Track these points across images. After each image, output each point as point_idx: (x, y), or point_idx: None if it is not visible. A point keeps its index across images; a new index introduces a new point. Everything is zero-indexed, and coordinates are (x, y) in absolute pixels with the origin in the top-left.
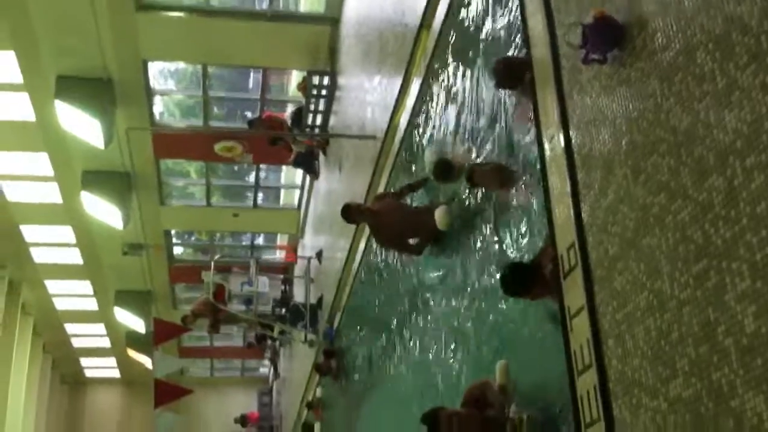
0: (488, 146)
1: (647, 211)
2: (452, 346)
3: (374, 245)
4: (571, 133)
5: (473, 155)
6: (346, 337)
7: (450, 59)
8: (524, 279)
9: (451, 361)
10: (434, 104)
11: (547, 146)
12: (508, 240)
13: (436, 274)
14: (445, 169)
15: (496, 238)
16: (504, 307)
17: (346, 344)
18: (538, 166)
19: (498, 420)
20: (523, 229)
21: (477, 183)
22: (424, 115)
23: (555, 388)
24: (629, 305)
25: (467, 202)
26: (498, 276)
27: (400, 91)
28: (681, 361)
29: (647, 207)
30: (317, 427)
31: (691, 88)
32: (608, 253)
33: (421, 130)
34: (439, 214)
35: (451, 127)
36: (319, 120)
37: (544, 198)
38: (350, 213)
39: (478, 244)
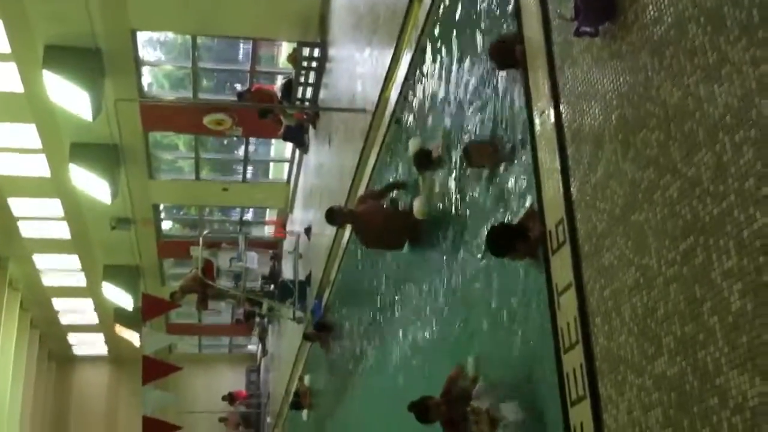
0: (478, 121)
1: (636, 187)
2: (439, 319)
3: None
4: (561, 107)
5: (464, 130)
6: (334, 312)
7: (440, 32)
8: (508, 238)
9: (436, 331)
10: (424, 77)
11: (537, 121)
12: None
13: (420, 256)
14: (424, 159)
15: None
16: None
17: (335, 319)
18: (528, 141)
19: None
20: (514, 204)
21: (473, 160)
22: (414, 89)
23: (540, 366)
24: (616, 282)
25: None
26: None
27: (390, 64)
28: (667, 338)
29: (636, 182)
30: (305, 414)
31: (682, 62)
32: (597, 229)
33: (411, 103)
34: (417, 204)
35: (441, 101)
36: (309, 93)
37: (533, 173)
38: (334, 216)
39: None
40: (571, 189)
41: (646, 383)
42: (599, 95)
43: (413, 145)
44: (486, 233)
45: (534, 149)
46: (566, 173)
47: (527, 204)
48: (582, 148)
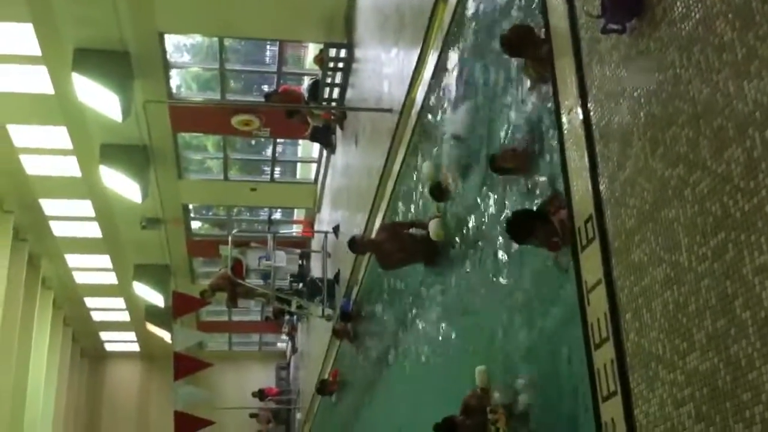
0: (505, 121)
1: (666, 184)
2: (464, 319)
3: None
4: (589, 105)
5: (490, 130)
6: (363, 310)
7: (466, 32)
8: (529, 224)
9: (461, 331)
10: (451, 77)
11: (564, 119)
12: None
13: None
14: (438, 191)
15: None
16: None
17: (363, 317)
18: (556, 140)
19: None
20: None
21: (501, 169)
22: (440, 88)
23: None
24: (647, 278)
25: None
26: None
27: (417, 64)
28: (698, 334)
29: (666, 179)
30: (334, 397)
31: (711, 58)
32: (626, 225)
33: (437, 103)
34: (433, 227)
35: (467, 100)
36: (335, 93)
37: (561, 170)
38: (356, 246)
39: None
40: (600, 186)
41: (677, 379)
42: (627, 92)
43: (426, 168)
44: (506, 220)
45: (562, 147)
46: (595, 171)
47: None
48: (610, 145)
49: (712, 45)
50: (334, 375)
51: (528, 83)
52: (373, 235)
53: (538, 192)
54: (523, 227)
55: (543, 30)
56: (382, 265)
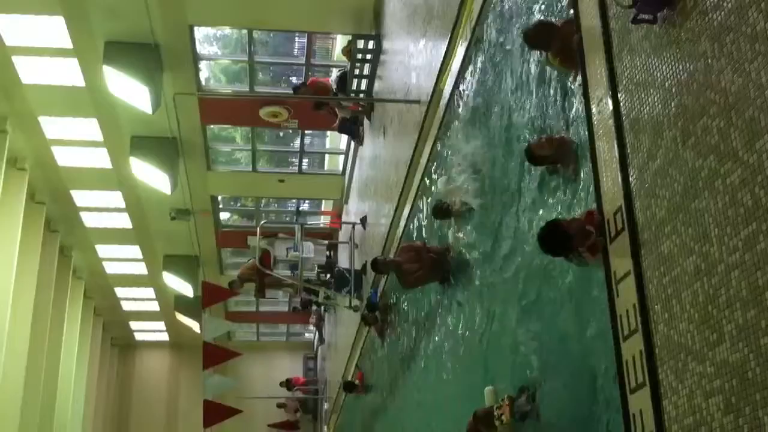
0: (535, 112)
1: (696, 175)
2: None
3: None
4: (619, 95)
5: (519, 122)
6: (390, 301)
7: (495, 23)
8: (561, 237)
9: (495, 320)
10: (479, 69)
11: (594, 110)
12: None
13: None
14: (441, 211)
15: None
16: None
17: (390, 308)
18: (585, 131)
19: None
20: (573, 197)
21: (537, 158)
22: (469, 80)
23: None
24: (676, 269)
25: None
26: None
27: (445, 56)
28: (728, 325)
29: (696, 170)
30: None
31: (743, 48)
32: (656, 217)
33: (465, 96)
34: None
35: (496, 92)
36: (363, 85)
37: (591, 162)
38: (378, 266)
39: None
40: (630, 177)
41: (707, 370)
42: (658, 83)
43: (441, 183)
44: (538, 233)
45: (591, 138)
46: (624, 161)
47: (586, 196)
48: (641, 136)
49: (744, 35)
50: (359, 377)
51: (556, 75)
52: (392, 255)
53: (567, 181)
54: (554, 241)
55: (573, 21)
56: (402, 284)
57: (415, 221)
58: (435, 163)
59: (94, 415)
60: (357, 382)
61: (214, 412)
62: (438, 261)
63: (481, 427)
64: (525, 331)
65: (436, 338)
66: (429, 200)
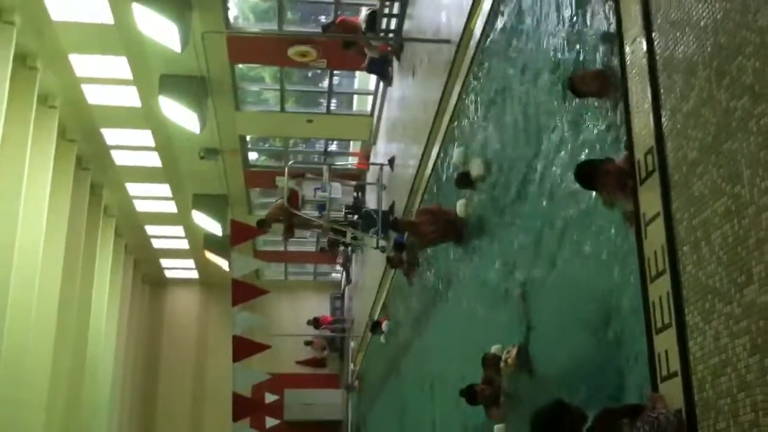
0: (568, 50)
1: (730, 115)
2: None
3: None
4: (653, 35)
5: (553, 60)
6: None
7: None
8: (595, 172)
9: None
10: (511, 9)
11: (628, 49)
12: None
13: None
14: (463, 180)
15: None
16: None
17: (416, 251)
18: (618, 70)
19: None
20: (603, 135)
21: (579, 91)
22: (500, 20)
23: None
24: (707, 211)
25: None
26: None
27: None
28: (758, 266)
29: (730, 111)
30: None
31: None
32: (687, 158)
33: (496, 35)
34: (459, 206)
35: (528, 32)
36: (393, 24)
37: (623, 102)
38: (397, 225)
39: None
40: (662, 118)
41: (734, 311)
42: (693, 22)
43: (458, 154)
44: (575, 167)
45: (624, 77)
46: (657, 102)
47: (616, 135)
48: (674, 76)
49: None
50: (384, 320)
51: (590, 12)
52: (413, 217)
53: (598, 120)
54: (589, 175)
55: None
56: (419, 244)
57: (442, 164)
58: (464, 103)
59: (125, 351)
60: (383, 324)
61: (244, 347)
62: (452, 223)
63: (490, 372)
64: (544, 275)
65: (461, 281)
66: (456, 145)
